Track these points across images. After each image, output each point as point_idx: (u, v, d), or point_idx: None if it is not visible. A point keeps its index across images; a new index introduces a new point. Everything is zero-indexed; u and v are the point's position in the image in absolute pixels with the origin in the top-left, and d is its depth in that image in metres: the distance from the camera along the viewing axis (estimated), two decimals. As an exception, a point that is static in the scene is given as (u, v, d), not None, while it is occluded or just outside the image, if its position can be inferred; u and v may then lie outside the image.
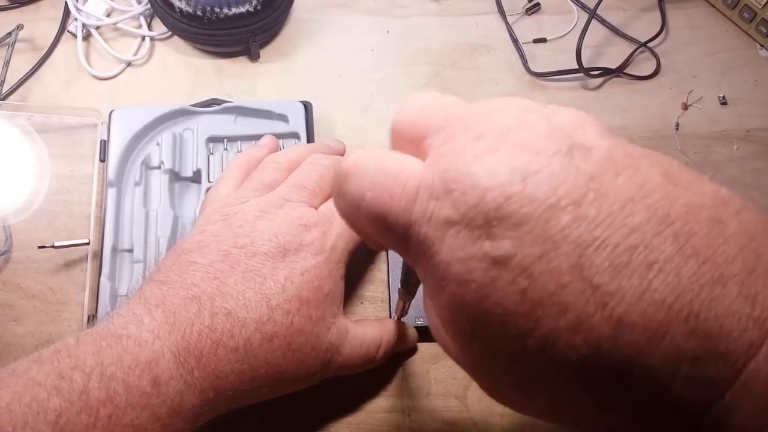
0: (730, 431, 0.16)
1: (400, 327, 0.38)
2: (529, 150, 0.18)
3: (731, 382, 0.16)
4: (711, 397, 0.16)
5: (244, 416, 0.37)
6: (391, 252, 0.41)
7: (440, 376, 0.39)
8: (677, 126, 0.50)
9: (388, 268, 0.41)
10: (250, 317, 0.30)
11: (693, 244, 0.17)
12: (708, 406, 0.17)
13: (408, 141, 0.21)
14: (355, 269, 0.42)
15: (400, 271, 0.39)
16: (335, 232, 0.34)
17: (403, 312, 0.36)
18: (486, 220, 0.17)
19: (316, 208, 0.35)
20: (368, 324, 0.36)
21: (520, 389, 0.20)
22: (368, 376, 0.38)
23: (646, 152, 0.19)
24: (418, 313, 0.39)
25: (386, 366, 0.39)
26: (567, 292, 0.17)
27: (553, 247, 0.17)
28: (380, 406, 0.39)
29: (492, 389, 0.22)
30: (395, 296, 0.39)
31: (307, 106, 0.45)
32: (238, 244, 0.32)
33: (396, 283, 0.40)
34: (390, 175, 0.20)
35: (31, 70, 0.48)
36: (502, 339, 0.18)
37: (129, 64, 0.50)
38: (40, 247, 0.40)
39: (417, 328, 0.39)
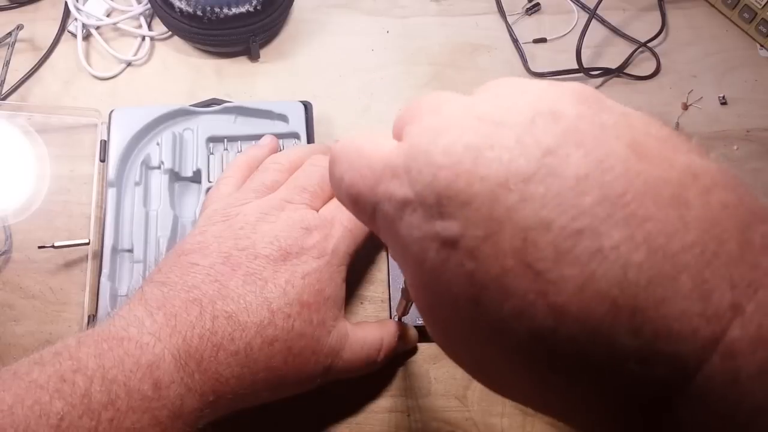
0: None
1: (401, 328, 0.38)
2: (491, 123, 0.17)
3: (682, 386, 0.15)
4: (662, 400, 0.15)
5: (244, 416, 0.37)
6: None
7: (440, 376, 0.39)
8: (677, 126, 0.50)
9: (388, 268, 0.40)
10: (251, 321, 0.30)
11: (646, 230, 0.15)
12: (661, 407, 0.16)
13: (398, 129, 0.21)
14: (355, 269, 0.42)
15: (400, 270, 0.39)
16: (337, 235, 0.34)
17: (405, 311, 0.36)
18: (437, 199, 0.17)
19: (318, 211, 0.35)
20: (369, 327, 0.36)
21: (486, 371, 0.20)
22: (369, 376, 0.38)
23: (625, 118, 0.17)
24: (418, 313, 0.39)
25: (386, 366, 0.39)
26: (510, 277, 0.16)
27: (498, 229, 0.16)
28: (380, 406, 0.39)
29: (468, 370, 0.21)
30: (396, 296, 0.39)
31: (307, 106, 0.45)
32: (240, 246, 0.32)
33: (396, 284, 0.40)
34: (363, 156, 0.20)
35: (31, 70, 0.48)
36: (455, 321, 0.18)
37: (129, 64, 0.50)
38: (40, 247, 0.40)
39: (418, 327, 0.39)
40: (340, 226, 0.35)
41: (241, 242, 0.32)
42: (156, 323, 0.28)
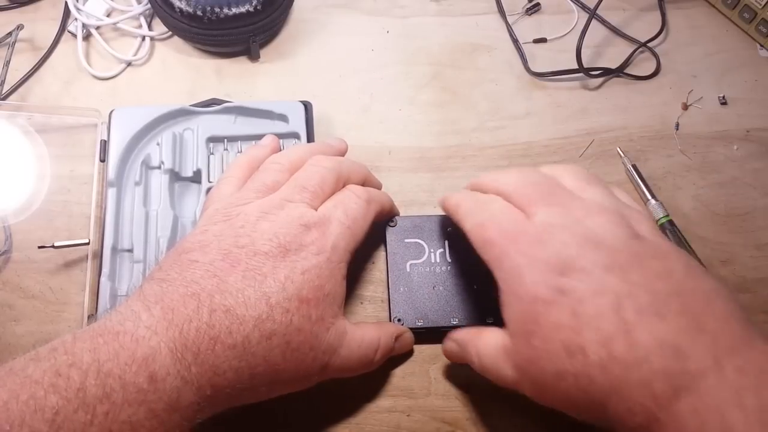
0: None
1: (398, 331, 0.38)
2: (606, 228, 0.31)
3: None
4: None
5: (244, 416, 0.37)
6: (390, 252, 0.41)
7: (440, 376, 0.40)
8: (677, 126, 0.50)
9: (387, 269, 0.41)
10: (249, 315, 0.30)
11: (691, 312, 0.27)
12: None
13: (516, 202, 0.33)
14: (355, 269, 0.42)
15: (400, 271, 0.40)
16: (336, 232, 0.34)
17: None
18: (563, 266, 0.29)
19: (317, 209, 0.35)
20: (367, 327, 0.36)
21: (552, 382, 0.29)
22: (369, 376, 0.38)
23: (677, 250, 0.31)
24: (418, 314, 0.39)
25: (386, 366, 0.39)
26: (604, 320, 0.27)
27: (602, 292, 0.28)
28: (380, 406, 0.39)
29: (531, 386, 0.31)
30: (396, 297, 0.39)
31: (307, 106, 0.45)
32: (239, 243, 0.32)
33: (396, 285, 0.40)
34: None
35: (31, 70, 0.48)
36: (553, 340, 0.28)
37: (129, 64, 0.50)
38: (40, 247, 0.40)
39: (417, 329, 0.39)
40: (339, 223, 0.35)
41: (241, 240, 0.32)
42: (153, 317, 0.28)
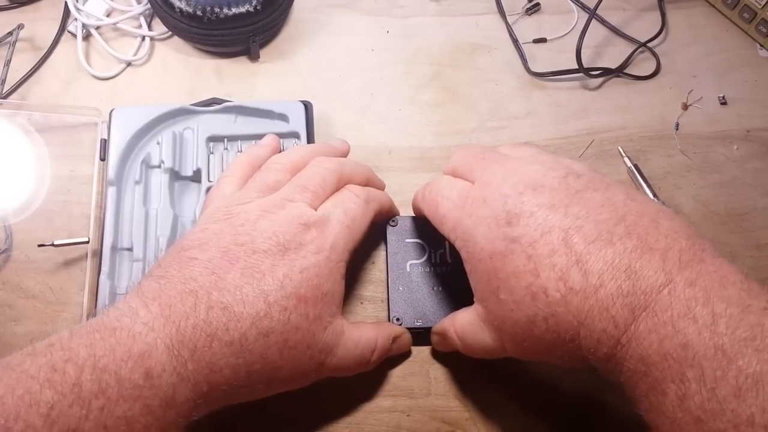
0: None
1: (396, 331, 0.38)
2: (541, 172, 0.32)
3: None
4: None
5: (243, 416, 0.37)
6: (390, 252, 0.41)
7: (440, 376, 0.39)
8: (677, 126, 0.50)
9: (387, 268, 0.41)
10: (246, 312, 0.30)
11: (638, 233, 0.28)
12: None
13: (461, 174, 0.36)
14: (355, 269, 0.42)
15: (400, 271, 0.40)
16: (335, 232, 0.34)
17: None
18: (508, 216, 0.30)
19: (317, 209, 0.35)
20: (364, 327, 0.36)
21: (524, 331, 0.30)
22: (368, 376, 0.38)
23: (615, 182, 0.32)
24: (417, 314, 0.39)
25: (386, 366, 0.39)
26: (556, 256, 0.28)
27: (549, 230, 0.29)
28: (380, 406, 0.39)
29: (509, 341, 0.32)
30: (395, 297, 0.39)
31: (307, 106, 0.45)
32: (239, 241, 0.32)
33: (396, 284, 0.40)
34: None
35: (31, 70, 0.48)
36: (517, 289, 0.29)
37: (129, 64, 0.50)
38: (39, 246, 0.40)
39: (415, 330, 0.39)
40: (338, 222, 0.35)
41: (241, 238, 0.32)
42: (150, 313, 0.28)
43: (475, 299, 0.34)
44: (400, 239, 0.41)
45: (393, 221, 0.42)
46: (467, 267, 0.33)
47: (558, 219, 0.29)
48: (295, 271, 0.32)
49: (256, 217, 0.34)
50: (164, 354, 0.27)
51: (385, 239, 0.42)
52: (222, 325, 0.29)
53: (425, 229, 0.41)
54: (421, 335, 0.39)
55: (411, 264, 0.40)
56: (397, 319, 0.39)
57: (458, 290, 0.39)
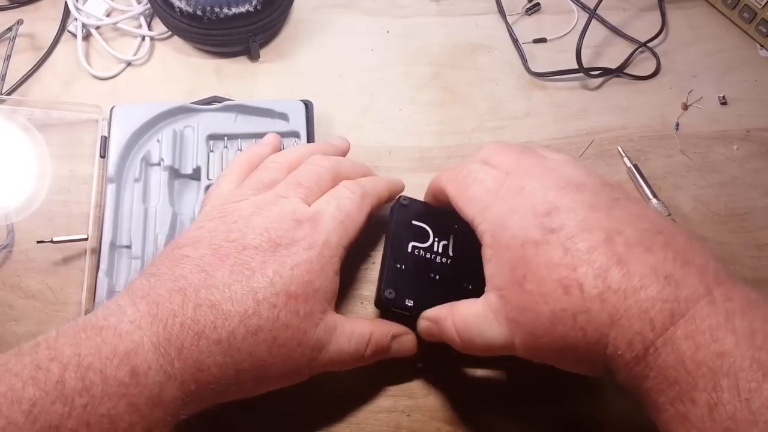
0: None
1: (396, 329, 0.37)
2: (583, 175, 0.32)
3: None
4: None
5: (243, 416, 0.37)
6: (395, 227, 0.39)
7: (440, 376, 0.39)
8: (677, 126, 0.50)
9: (388, 242, 0.39)
10: (234, 310, 0.30)
11: (675, 247, 0.28)
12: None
13: (494, 164, 0.35)
14: (355, 269, 0.42)
15: (401, 249, 0.38)
16: (328, 227, 0.34)
17: None
18: (548, 207, 0.30)
19: (310, 206, 0.35)
20: (358, 321, 0.35)
21: (549, 325, 0.29)
22: (368, 376, 0.38)
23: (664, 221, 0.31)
24: (410, 294, 0.37)
25: (386, 366, 0.39)
26: (596, 253, 0.28)
27: (590, 228, 0.29)
28: (380, 406, 0.38)
29: (527, 334, 0.30)
30: (391, 272, 0.37)
31: (307, 105, 0.45)
32: (230, 238, 0.32)
33: (394, 260, 0.38)
34: None
35: (31, 69, 0.48)
36: (547, 281, 0.28)
37: (129, 63, 0.50)
38: (38, 242, 0.40)
39: (405, 311, 0.37)
40: (332, 218, 0.35)
41: (232, 235, 0.32)
42: (138, 311, 0.28)
43: (487, 289, 0.32)
44: (407, 219, 0.39)
45: (404, 199, 0.40)
46: (488, 253, 0.32)
47: (599, 219, 0.29)
48: (286, 268, 0.32)
49: (249, 214, 0.33)
50: (150, 352, 0.27)
51: (392, 214, 0.40)
52: (210, 323, 0.29)
53: (434, 218, 0.40)
54: (408, 320, 0.37)
55: (413, 245, 0.39)
56: (390, 293, 0.36)
57: (456, 285, 0.38)
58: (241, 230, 0.33)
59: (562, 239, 0.29)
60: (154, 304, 0.29)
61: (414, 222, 0.39)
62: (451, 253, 0.39)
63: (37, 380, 0.25)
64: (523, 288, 0.29)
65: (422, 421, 0.38)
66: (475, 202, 0.33)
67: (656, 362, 0.26)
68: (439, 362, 0.40)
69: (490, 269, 0.32)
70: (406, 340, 0.37)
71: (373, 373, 0.37)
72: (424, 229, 0.39)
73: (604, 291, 0.27)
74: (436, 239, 0.39)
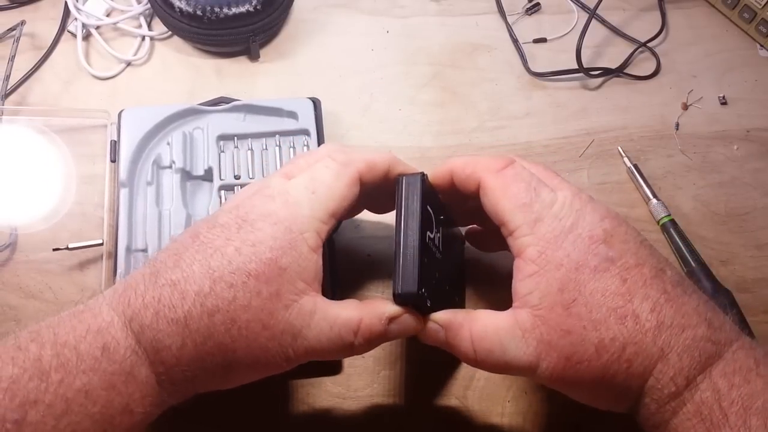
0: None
1: (391, 311, 0.31)
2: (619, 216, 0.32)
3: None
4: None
5: (242, 416, 0.37)
6: (420, 212, 0.32)
7: (440, 376, 0.39)
8: (677, 126, 0.50)
9: (416, 229, 0.32)
10: (191, 289, 0.29)
11: (701, 294, 0.31)
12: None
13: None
14: (358, 269, 0.42)
15: (423, 240, 0.31)
16: (297, 200, 0.31)
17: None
18: (605, 235, 0.30)
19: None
20: (344, 305, 0.31)
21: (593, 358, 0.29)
22: (368, 376, 0.38)
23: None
24: (428, 292, 0.31)
25: (387, 366, 0.39)
26: (650, 289, 0.29)
27: (643, 263, 0.30)
28: (381, 405, 0.39)
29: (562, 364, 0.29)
30: (410, 264, 0.31)
31: (316, 103, 0.45)
32: (206, 219, 0.32)
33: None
34: None
35: (31, 69, 0.48)
36: (600, 307, 0.28)
37: (129, 63, 0.50)
38: (54, 249, 0.40)
39: (421, 307, 0.31)
40: (303, 189, 0.31)
41: (211, 217, 0.32)
42: (115, 293, 0.29)
43: (518, 305, 0.30)
44: (426, 200, 0.32)
45: (426, 176, 0.33)
46: (529, 268, 0.30)
47: (648, 255, 0.30)
48: (247, 245, 0.29)
49: (235, 196, 0.33)
50: (120, 330, 0.28)
51: (411, 190, 0.32)
52: (168, 302, 0.29)
53: (434, 203, 0.34)
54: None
55: (428, 235, 0.32)
56: (423, 292, 0.31)
57: (444, 288, 0.34)
58: (219, 211, 0.32)
59: (620, 270, 0.29)
60: (130, 287, 0.29)
61: (429, 207, 0.33)
62: (440, 247, 0.34)
63: (16, 360, 0.26)
64: (569, 311, 0.29)
65: (422, 421, 0.38)
66: (527, 210, 0.31)
67: (693, 398, 0.27)
68: (440, 359, 0.40)
69: (527, 285, 0.30)
70: (404, 321, 0.31)
71: (374, 373, 0.37)
72: (431, 216, 0.33)
73: (657, 325, 0.28)
74: (437, 231, 0.34)
